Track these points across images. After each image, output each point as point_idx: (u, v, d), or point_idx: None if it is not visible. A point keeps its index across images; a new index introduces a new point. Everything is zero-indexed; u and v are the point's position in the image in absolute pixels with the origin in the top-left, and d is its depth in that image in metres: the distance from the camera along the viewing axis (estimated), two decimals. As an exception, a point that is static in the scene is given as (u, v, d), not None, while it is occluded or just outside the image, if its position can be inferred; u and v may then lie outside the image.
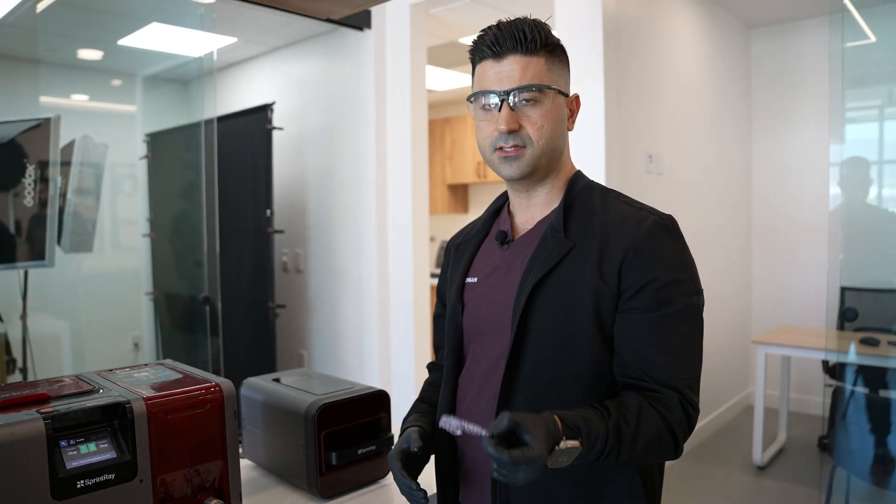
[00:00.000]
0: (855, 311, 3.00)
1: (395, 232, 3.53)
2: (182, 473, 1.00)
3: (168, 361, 1.21)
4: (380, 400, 1.34)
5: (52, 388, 1.01)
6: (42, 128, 2.43)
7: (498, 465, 0.79)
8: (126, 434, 0.95)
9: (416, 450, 1.01)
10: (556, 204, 1.05)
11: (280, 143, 3.94)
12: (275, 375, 1.46)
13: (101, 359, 3.54)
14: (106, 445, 0.93)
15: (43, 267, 2.49)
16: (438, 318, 1.23)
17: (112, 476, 0.92)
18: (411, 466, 1.02)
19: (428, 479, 1.08)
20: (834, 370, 3.14)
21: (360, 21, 3.49)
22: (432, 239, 6.22)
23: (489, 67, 1.01)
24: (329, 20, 2.63)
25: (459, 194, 6.23)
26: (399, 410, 1.30)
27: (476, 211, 6.06)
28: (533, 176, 1.03)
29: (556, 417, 0.85)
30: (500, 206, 1.16)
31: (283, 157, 4.01)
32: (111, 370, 1.15)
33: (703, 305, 0.99)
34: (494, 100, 0.99)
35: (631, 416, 0.89)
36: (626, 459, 0.89)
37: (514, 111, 0.99)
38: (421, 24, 3.47)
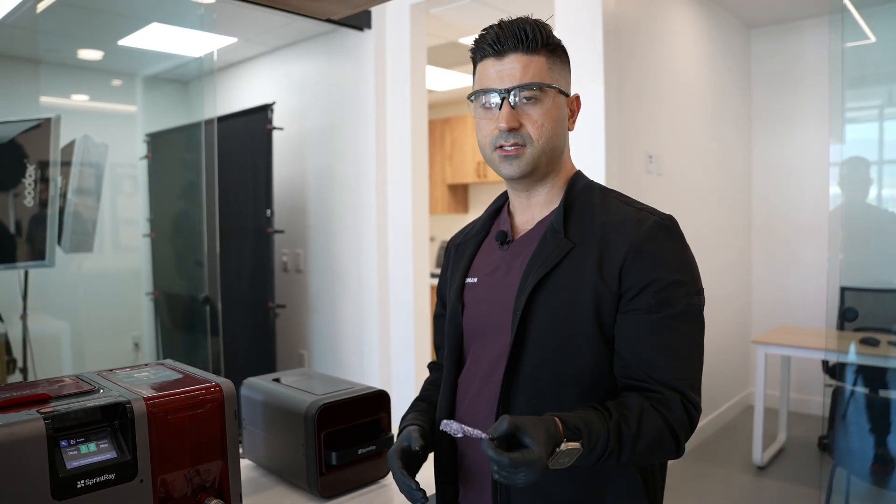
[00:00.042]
0: (855, 311, 2.99)
1: (395, 232, 3.53)
2: (182, 473, 1.00)
3: (168, 361, 1.21)
4: (380, 400, 1.34)
5: (53, 388, 1.01)
6: (42, 128, 2.43)
7: (498, 468, 0.80)
8: (126, 434, 0.95)
9: (417, 448, 1.02)
10: (556, 204, 1.05)
11: (280, 143, 3.94)
12: (275, 375, 1.46)
13: (102, 359, 3.54)
14: (106, 445, 0.93)
15: (43, 267, 2.49)
16: (438, 318, 1.23)
17: (112, 476, 0.92)
18: (410, 465, 1.03)
19: (426, 479, 1.08)
20: (834, 370, 3.13)
21: (360, 21, 3.49)
22: (432, 239, 6.22)
23: (490, 66, 1.01)
24: (329, 20, 2.63)
25: (459, 194, 6.23)
26: (399, 410, 1.30)
27: (476, 211, 6.06)
28: (533, 175, 1.03)
29: (557, 419, 0.85)
30: (500, 206, 1.16)
31: (284, 157, 4.01)
32: (111, 370, 1.15)
33: (703, 305, 0.99)
34: (495, 98, 1.00)
35: (632, 418, 0.89)
36: (628, 460, 0.89)
37: (514, 109, 0.99)
38: (421, 24, 3.48)
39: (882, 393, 2.74)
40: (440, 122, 6.06)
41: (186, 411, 1.00)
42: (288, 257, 4.12)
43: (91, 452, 0.91)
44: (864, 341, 2.80)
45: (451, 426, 0.86)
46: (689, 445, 1.07)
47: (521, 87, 0.98)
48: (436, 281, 2.91)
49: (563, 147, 1.06)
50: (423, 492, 0.97)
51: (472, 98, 1.04)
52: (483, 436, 0.82)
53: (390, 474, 1.15)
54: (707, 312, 0.99)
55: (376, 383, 3.36)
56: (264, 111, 3.63)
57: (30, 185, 2.41)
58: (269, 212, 3.59)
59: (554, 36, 1.02)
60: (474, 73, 1.06)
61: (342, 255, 3.75)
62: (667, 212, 1.01)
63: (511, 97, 0.99)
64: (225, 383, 1.06)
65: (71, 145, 2.70)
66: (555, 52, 1.02)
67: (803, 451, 3.71)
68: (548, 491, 0.97)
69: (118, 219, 4.12)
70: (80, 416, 0.92)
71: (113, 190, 3.95)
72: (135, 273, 4.07)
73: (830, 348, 3.01)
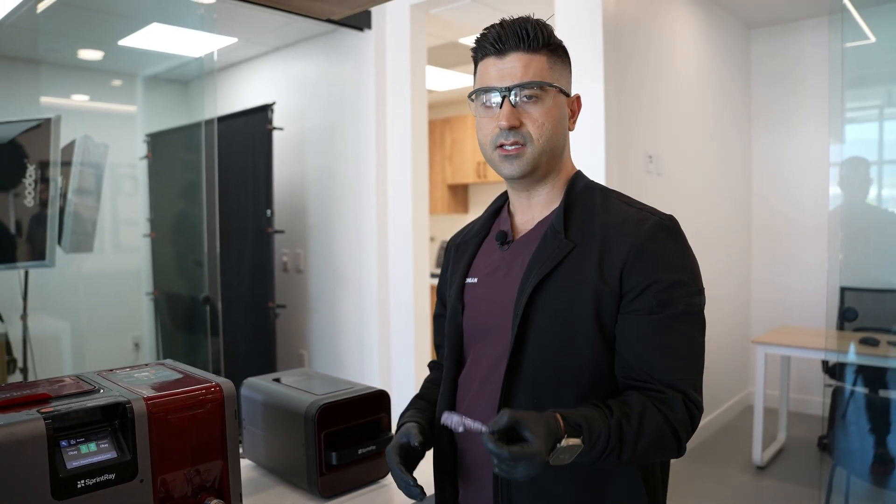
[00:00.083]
0: (855, 311, 2.99)
1: (395, 232, 3.53)
2: (182, 473, 1.00)
3: (168, 361, 1.21)
4: (380, 400, 1.34)
5: (53, 388, 1.01)
6: (42, 128, 2.43)
7: (498, 461, 0.80)
8: (126, 434, 0.95)
9: (416, 444, 1.02)
10: (556, 204, 1.06)
11: (280, 143, 3.94)
12: (275, 375, 1.46)
13: (102, 359, 3.54)
14: (106, 445, 0.93)
15: (43, 267, 2.49)
16: (438, 318, 1.23)
17: (112, 476, 0.92)
18: (408, 461, 1.03)
19: (426, 478, 1.08)
20: (834, 370, 3.14)
21: (360, 21, 3.49)
22: (432, 239, 6.22)
23: (491, 64, 1.01)
24: (329, 20, 2.63)
25: (459, 194, 6.24)
26: (399, 410, 1.29)
27: (476, 211, 6.06)
28: (533, 175, 1.03)
29: (559, 415, 0.85)
30: (500, 205, 1.16)
31: (284, 157, 4.01)
32: (111, 370, 1.15)
33: (704, 305, 0.99)
34: (496, 97, 1.00)
35: (633, 416, 0.89)
36: (629, 458, 0.89)
37: (515, 108, 0.99)
38: (421, 25, 3.48)
39: (882, 393, 2.74)
40: (440, 122, 6.06)
41: (186, 411, 1.00)
42: (288, 257, 4.12)
43: (91, 452, 0.92)
44: (863, 341, 2.80)
45: (451, 419, 0.86)
46: (689, 445, 1.07)
47: (522, 86, 0.98)
48: (436, 281, 2.91)
49: (564, 147, 1.06)
50: (421, 488, 0.97)
51: (473, 97, 1.04)
52: (483, 428, 0.83)
53: (390, 474, 1.15)
54: (707, 312, 1.00)
55: (376, 383, 3.36)
56: (264, 111, 3.63)
57: (30, 185, 2.41)
58: (269, 212, 3.59)
59: (555, 36, 1.03)
60: (475, 72, 1.06)
61: (342, 255, 3.75)
62: (667, 212, 1.02)
63: (512, 96, 0.99)
64: (225, 383, 1.06)
65: (71, 145, 2.70)
66: (556, 51, 1.02)
67: (803, 451, 3.71)
68: (548, 490, 0.97)
69: (118, 219, 4.12)
70: (81, 416, 0.92)
71: (113, 190, 3.95)
72: (135, 273, 4.08)
73: (830, 348, 3.01)
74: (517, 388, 0.98)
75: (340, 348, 3.80)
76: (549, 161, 1.03)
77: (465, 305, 1.09)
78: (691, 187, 3.79)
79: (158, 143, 3.90)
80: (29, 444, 0.86)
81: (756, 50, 4.55)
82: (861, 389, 2.81)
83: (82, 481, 0.89)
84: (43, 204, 2.43)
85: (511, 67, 0.99)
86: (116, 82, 4.22)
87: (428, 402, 1.17)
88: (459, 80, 5.37)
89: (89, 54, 3.91)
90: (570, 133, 1.08)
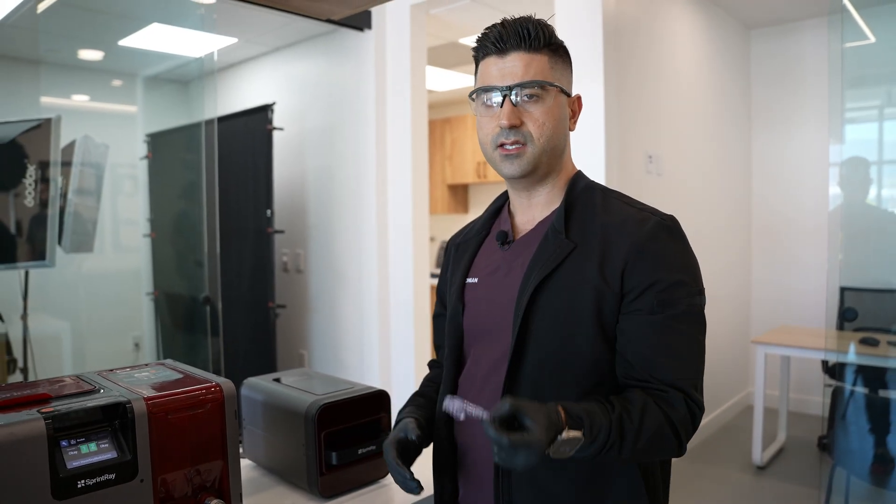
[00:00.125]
0: (854, 311, 3.00)
1: (395, 232, 3.53)
2: (182, 473, 1.00)
3: (168, 361, 1.21)
4: (380, 400, 1.34)
5: (53, 388, 1.01)
6: (43, 128, 2.43)
7: (498, 449, 0.81)
8: (127, 434, 0.95)
9: (413, 438, 1.02)
10: (556, 204, 1.06)
11: (280, 143, 3.94)
12: (275, 375, 1.46)
13: (102, 359, 3.54)
14: (106, 445, 0.93)
15: (43, 267, 2.49)
16: (438, 318, 1.23)
17: (113, 476, 0.92)
18: (406, 456, 1.03)
19: (425, 478, 1.08)
20: (833, 370, 3.14)
21: (360, 21, 3.49)
22: (432, 239, 6.22)
23: (492, 64, 1.01)
24: (329, 21, 2.63)
25: (459, 194, 6.24)
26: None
27: (476, 211, 6.06)
28: (534, 175, 1.03)
29: (560, 407, 0.85)
30: (501, 205, 1.16)
31: (284, 157, 4.01)
32: (112, 370, 1.15)
33: (704, 305, 0.99)
34: (497, 96, 1.00)
35: (634, 412, 0.89)
36: (629, 455, 0.89)
37: (516, 107, 0.99)
38: (421, 25, 3.48)
39: (881, 393, 2.74)
40: (440, 122, 6.06)
41: (187, 411, 1.00)
42: (288, 257, 4.12)
43: (91, 452, 0.92)
44: (863, 341, 2.80)
45: (453, 404, 0.86)
46: (689, 445, 1.07)
47: (523, 85, 0.98)
48: (436, 281, 2.91)
49: (564, 147, 1.06)
50: (418, 482, 0.98)
51: (474, 96, 1.04)
52: (484, 415, 0.83)
53: (390, 474, 1.15)
54: (707, 312, 1.00)
55: (376, 383, 3.36)
56: (264, 111, 3.63)
57: (30, 185, 2.42)
58: (269, 212, 3.59)
59: (556, 36, 1.03)
60: (476, 72, 1.06)
61: (342, 255, 3.75)
62: (667, 212, 1.02)
63: (513, 95, 0.99)
64: (225, 383, 1.06)
65: (71, 145, 2.70)
66: (557, 51, 1.03)
67: (803, 450, 3.71)
68: (549, 490, 0.97)
69: (118, 219, 4.12)
70: (81, 415, 0.92)
71: (113, 190, 3.95)
72: (135, 273, 4.08)
73: (830, 348, 3.01)
74: (518, 389, 0.98)
75: (340, 348, 3.80)
76: (549, 161, 1.03)
77: (466, 305, 1.09)
78: (691, 187, 3.80)
79: (158, 144, 3.91)
80: (29, 444, 0.86)
81: (756, 50, 4.55)
82: (861, 389, 2.81)
83: (82, 481, 0.89)
84: (43, 204, 2.43)
85: (512, 67, 0.99)
86: (117, 82, 4.22)
87: (427, 399, 1.17)
88: (459, 80, 5.37)
89: (89, 54, 3.91)
90: (571, 133, 1.08)
